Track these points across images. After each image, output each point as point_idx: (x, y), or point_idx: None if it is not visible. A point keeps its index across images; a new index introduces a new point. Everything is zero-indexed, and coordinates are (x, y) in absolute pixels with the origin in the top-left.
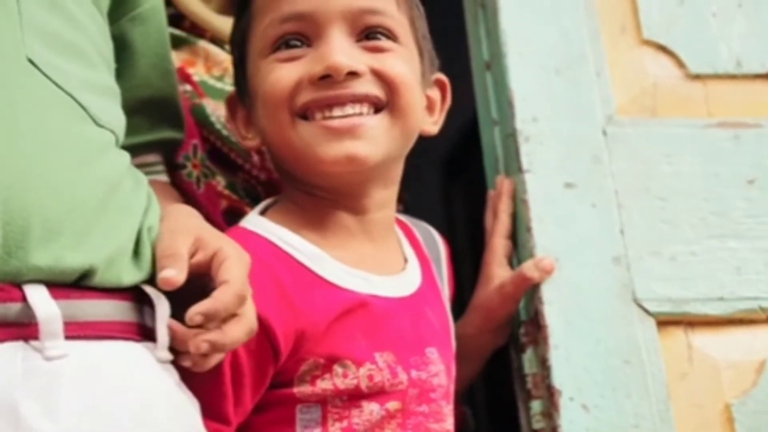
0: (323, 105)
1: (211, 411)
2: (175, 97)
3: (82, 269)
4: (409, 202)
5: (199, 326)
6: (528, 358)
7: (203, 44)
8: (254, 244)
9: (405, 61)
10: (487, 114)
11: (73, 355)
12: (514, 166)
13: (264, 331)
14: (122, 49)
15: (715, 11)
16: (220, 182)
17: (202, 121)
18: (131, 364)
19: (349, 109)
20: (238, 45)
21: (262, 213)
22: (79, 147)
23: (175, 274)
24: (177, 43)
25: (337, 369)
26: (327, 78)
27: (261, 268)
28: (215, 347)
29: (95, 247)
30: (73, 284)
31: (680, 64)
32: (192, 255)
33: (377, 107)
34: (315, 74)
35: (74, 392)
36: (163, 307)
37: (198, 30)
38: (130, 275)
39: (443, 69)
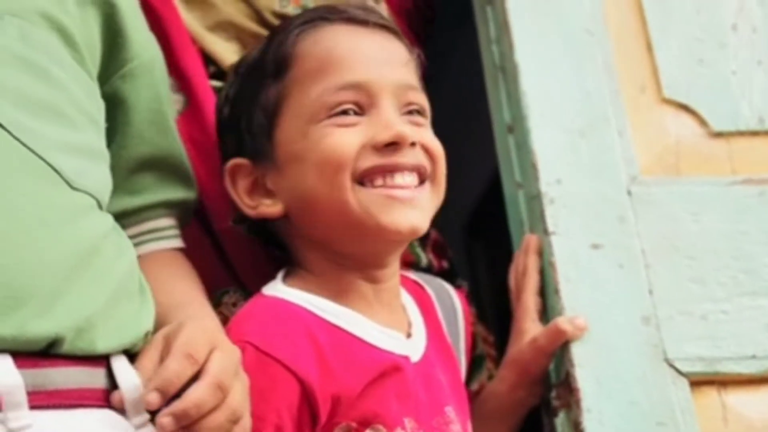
0: (386, 171)
1: None
2: (178, 154)
3: (49, 338)
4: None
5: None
6: (561, 422)
7: None
8: (289, 310)
9: (433, 135)
10: (510, 177)
11: (37, 426)
12: (539, 228)
13: (306, 396)
14: (117, 106)
15: (735, 69)
16: None
17: None
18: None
19: (407, 177)
20: (265, 110)
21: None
22: (48, 212)
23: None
24: None
25: None
26: (392, 145)
27: (300, 333)
28: (179, 417)
29: (63, 315)
30: (42, 352)
31: (702, 122)
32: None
33: (422, 178)
34: (381, 141)
35: None
36: (128, 384)
37: None
38: (106, 342)
39: (462, 131)
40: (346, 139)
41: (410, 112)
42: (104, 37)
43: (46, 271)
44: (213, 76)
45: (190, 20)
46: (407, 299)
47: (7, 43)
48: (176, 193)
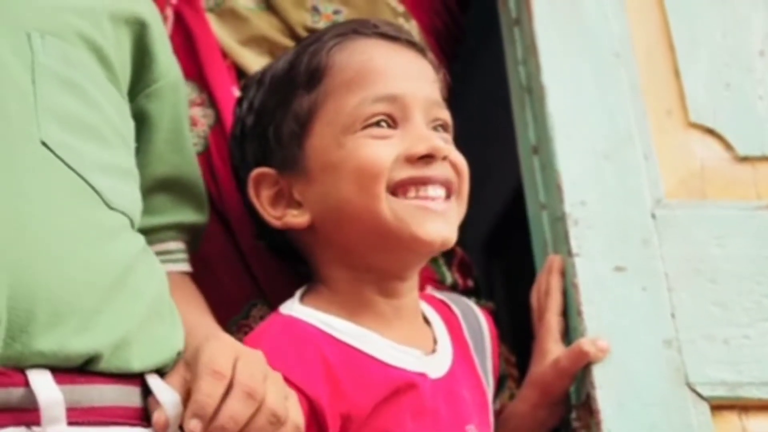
0: (419, 183)
1: None
2: (194, 177)
3: (87, 354)
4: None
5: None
6: None
7: None
8: (301, 329)
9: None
10: (535, 197)
11: None
12: (563, 250)
13: (314, 414)
14: (141, 125)
15: (762, 94)
16: None
17: None
18: None
19: (439, 190)
20: (297, 119)
21: (305, 297)
22: (88, 231)
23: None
24: None
25: None
26: (426, 158)
27: (311, 353)
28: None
29: (101, 333)
30: (79, 368)
31: (728, 146)
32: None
33: (449, 193)
34: (417, 153)
35: None
36: (169, 400)
37: None
38: (141, 361)
39: (481, 155)
40: (382, 151)
41: (436, 128)
42: (134, 55)
43: (87, 289)
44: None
45: (222, 34)
46: (434, 316)
47: (50, 62)
48: (188, 216)
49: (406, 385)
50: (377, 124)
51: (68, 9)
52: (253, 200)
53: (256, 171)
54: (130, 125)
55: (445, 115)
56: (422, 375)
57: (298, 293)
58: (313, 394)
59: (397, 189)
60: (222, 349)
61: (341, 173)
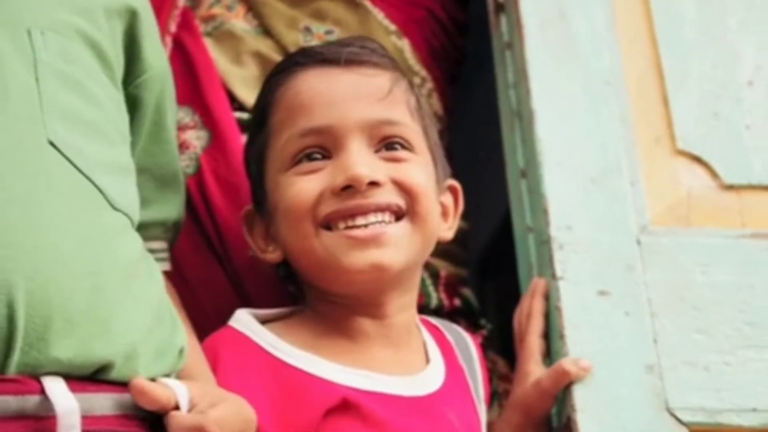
0: (346, 215)
1: None
2: (175, 171)
3: (102, 362)
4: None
5: None
6: None
7: None
8: (249, 350)
9: (422, 169)
10: (521, 221)
11: None
12: (548, 273)
13: None
14: (131, 113)
15: (749, 124)
16: None
17: None
18: None
19: (371, 218)
20: (256, 161)
21: (279, 318)
22: (96, 234)
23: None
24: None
25: None
26: (349, 189)
27: (255, 377)
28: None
29: (114, 341)
30: (89, 377)
31: (714, 174)
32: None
33: (398, 215)
34: (337, 185)
35: None
36: (182, 391)
37: None
38: (147, 370)
39: (476, 176)
40: (304, 188)
41: (389, 147)
42: (125, 46)
43: (98, 295)
44: (236, 111)
45: (217, 55)
46: (429, 339)
47: (51, 59)
48: (172, 211)
49: (351, 401)
50: (307, 158)
51: (65, 5)
52: (246, 235)
53: (245, 209)
54: (126, 119)
55: (400, 131)
56: (375, 393)
57: (277, 310)
58: (258, 423)
59: (329, 222)
60: (237, 417)
61: (280, 214)
